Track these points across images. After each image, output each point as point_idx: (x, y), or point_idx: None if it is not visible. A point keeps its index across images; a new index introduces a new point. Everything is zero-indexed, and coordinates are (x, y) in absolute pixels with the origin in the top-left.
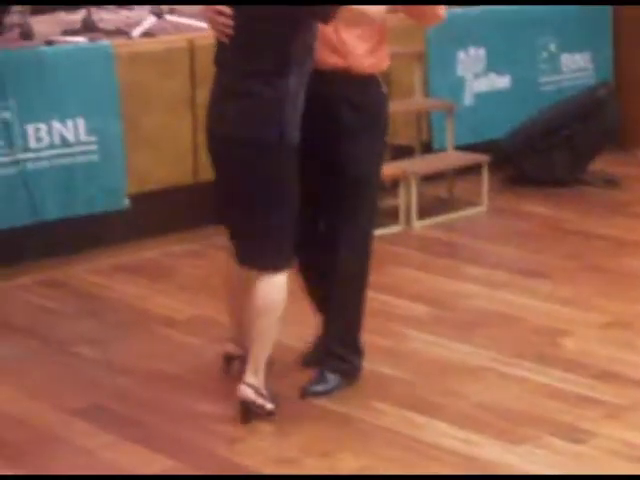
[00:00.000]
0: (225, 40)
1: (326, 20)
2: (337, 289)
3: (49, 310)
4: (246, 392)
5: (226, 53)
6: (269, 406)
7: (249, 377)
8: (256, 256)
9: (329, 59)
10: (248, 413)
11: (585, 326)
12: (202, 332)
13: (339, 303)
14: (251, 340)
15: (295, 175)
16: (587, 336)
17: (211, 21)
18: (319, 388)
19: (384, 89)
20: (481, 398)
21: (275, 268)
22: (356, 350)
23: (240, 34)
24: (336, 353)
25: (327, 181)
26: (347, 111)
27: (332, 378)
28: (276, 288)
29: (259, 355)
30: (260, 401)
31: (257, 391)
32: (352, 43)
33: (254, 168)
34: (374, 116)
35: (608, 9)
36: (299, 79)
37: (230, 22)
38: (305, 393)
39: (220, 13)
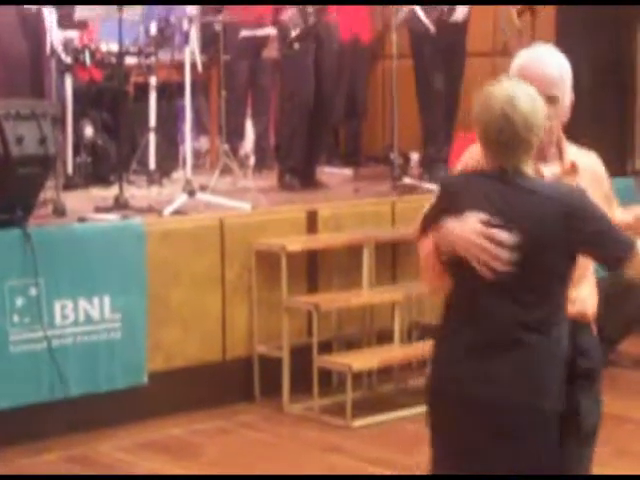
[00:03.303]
0: (488, 276)
1: (617, 267)
2: None
3: None
4: None
5: (484, 296)
6: None
7: None
8: None
9: None
10: None
11: None
12: None
13: None
14: None
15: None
16: None
17: (479, 249)
18: None
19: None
20: None
21: None
22: None
23: (519, 272)
24: None
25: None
26: (582, 360)
27: None
28: None
29: None
30: None
31: None
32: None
33: (524, 442)
34: (598, 363)
35: (635, 190)
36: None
37: (510, 256)
38: None
39: (497, 242)
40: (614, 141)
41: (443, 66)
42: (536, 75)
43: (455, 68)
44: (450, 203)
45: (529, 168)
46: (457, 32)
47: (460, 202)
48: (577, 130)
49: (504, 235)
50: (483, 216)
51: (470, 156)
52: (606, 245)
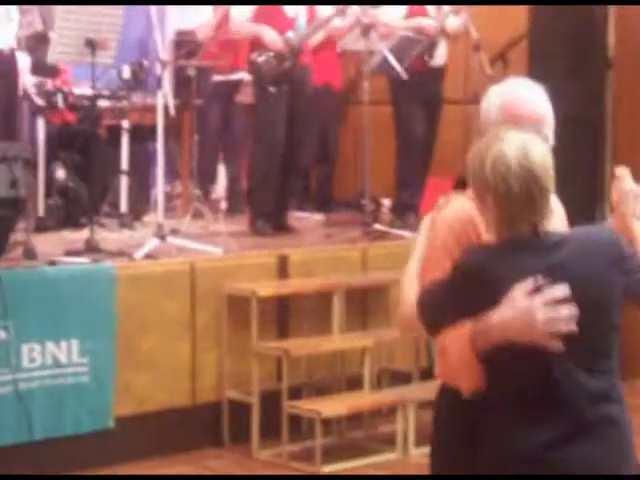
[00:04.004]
0: (558, 348)
1: None
2: None
3: None
4: None
5: (557, 377)
6: None
7: None
8: None
9: None
10: None
11: None
12: None
13: None
14: None
15: None
16: None
17: (543, 322)
18: None
19: None
20: None
21: None
22: None
23: (583, 336)
24: None
25: None
26: None
27: None
28: None
29: None
30: None
31: None
32: None
33: None
34: None
35: None
36: None
37: (573, 311)
38: None
39: (555, 301)
40: (584, 187)
41: (421, 112)
42: (528, 113)
43: (433, 114)
44: (484, 289)
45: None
46: (435, 78)
47: (498, 284)
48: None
49: (558, 290)
50: (527, 284)
51: (460, 222)
52: None
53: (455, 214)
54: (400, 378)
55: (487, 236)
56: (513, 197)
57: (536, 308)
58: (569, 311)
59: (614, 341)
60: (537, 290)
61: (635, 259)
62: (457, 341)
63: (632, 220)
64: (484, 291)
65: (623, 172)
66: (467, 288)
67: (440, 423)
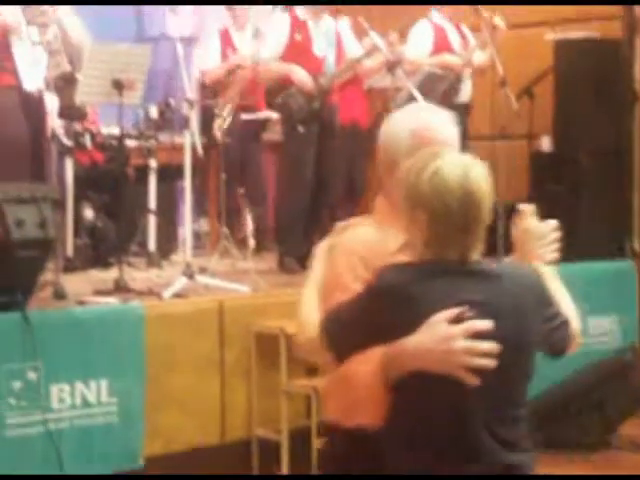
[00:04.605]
0: (474, 383)
1: (564, 351)
2: None
3: None
4: None
5: (465, 413)
6: None
7: None
8: None
9: None
10: None
11: None
12: None
13: None
14: None
15: None
16: None
17: (461, 353)
18: None
19: None
20: None
21: None
22: None
23: (500, 377)
24: None
25: None
26: None
27: None
28: None
29: None
30: None
31: None
32: None
33: None
34: None
35: (634, 272)
36: None
37: (495, 347)
38: None
39: (477, 334)
40: (613, 222)
41: None
42: (441, 138)
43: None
44: (401, 311)
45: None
46: (461, 114)
47: (417, 307)
48: (578, 212)
49: (481, 323)
50: (451, 312)
51: (365, 246)
52: (561, 327)
53: (360, 238)
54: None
55: (401, 258)
56: (449, 217)
57: (455, 337)
58: (490, 347)
59: (527, 389)
60: (459, 320)
61: (553, 307)
62: (365, 366)
63: (535, 261)
64: (400, 313)
65: (528, 209)
66: (381, 308)
67: (337, 461)
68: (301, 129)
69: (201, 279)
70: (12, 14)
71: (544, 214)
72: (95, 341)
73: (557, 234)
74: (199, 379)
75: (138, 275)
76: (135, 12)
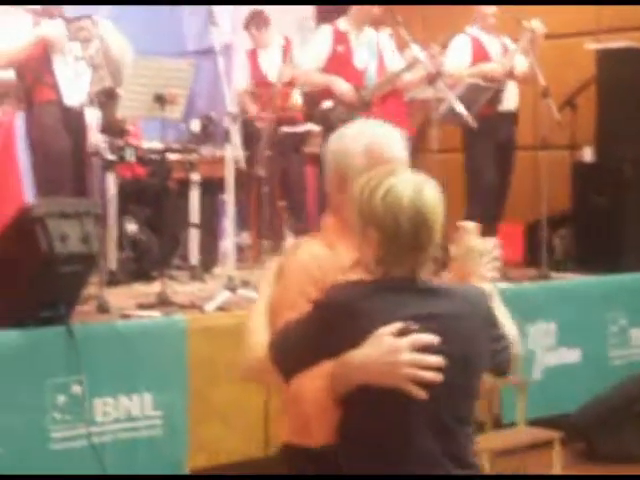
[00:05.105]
0: (421, 396)
1: (505, 371)
2: None
3: None
4: None
5: (411, 428)
6: None
7: None
8: None
9: None
10: None
11: None
12: None
13: None
14: None
15: None
16: None
17: (407, 366)
18: None
19: None
20: None
21: None
22: None
23: (447, 392)
24: None
25: None
26: None
27: None
28: None
29: None
30: None
31: None
32: None
33: None
34: None
35: None
36: None
37: (441, 362)
38: None
39: (423, 347)
40: None
41: (493, 158)
42: (394, 155)
43: (506, 160)
44: (351, 327)
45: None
46: (506, 122)
47: (367, 323)
48: (621, 223)
49: (427, 337)
50: (397, 325)
51: (317, 265)
52: (504, 348)
53: (310, 257)
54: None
55: (352, 275)
56: (400, 235)
57: (402, 349)
58: (437, 360)
59: (473, 408)
60: (405, 333)
61: (498, 328)
62: (314, 382)
63: (476, 279)
64: (348, 329)
65: (469, 226)
66: (331, 325)
67: None
68: None
69: (243, 292)
70: (55, 29)
71: (587, 225)
72: (138, 354)
73: (497, 252)
74: (242, 392)
75: (181, 288)
76: (176, 25)
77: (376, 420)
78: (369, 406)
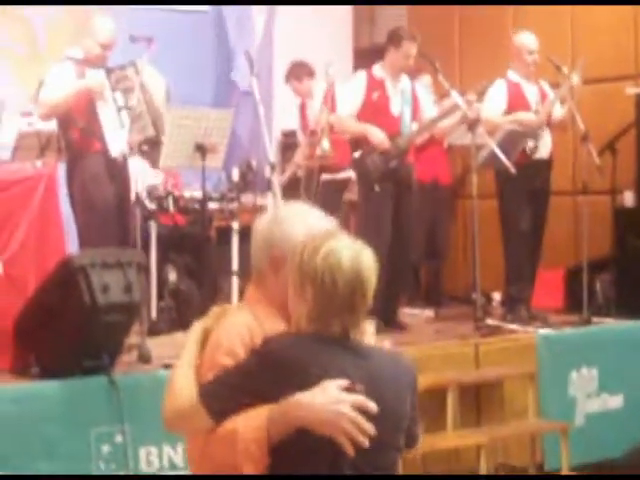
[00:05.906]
0: (350, 453)
1: (415, 444)
2: None
3: None
4: None
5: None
6: None
7: None
8: None
9: None
10: None
11: None
12: None
13: None
14: None
15: None
16: None
17: (347, 420)
18: None
19: None
20: None
21: None
22: None
23: (373, 452)
24: None
25: None
26: None
27: None
28: None
29: None
30: None
31: None
32: None
33: None
34: None
35: None
36: None
37: (374, 431)
38: None
39: (363, 411)
40: None
41: (528, 205)
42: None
43: (540, 207)
44: (288, 375)
45: None
46: (541, 170)
47: (305, 373)
48: None
49: (370, 404)
50: (344, 382)
51: (249, 332)
52: (417, 421)
53: (244, 324)
54: (517, 474)
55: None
56: (336, 295)
57: (346, 404)
58: (369, 428)
59: (398, 459)
60: (349, 390)
61: (417, 396)
62: (248, 422)
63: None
64: (287, 377)
65: (366, 327)
66: (268, 371)
67: None
68: (377, 188)
69: None
70: (97, 80)
71: (628, 269)
72: None
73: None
74: None
75: None
76: (217, 73)
77: (304, 469)
78: (299, 455)
